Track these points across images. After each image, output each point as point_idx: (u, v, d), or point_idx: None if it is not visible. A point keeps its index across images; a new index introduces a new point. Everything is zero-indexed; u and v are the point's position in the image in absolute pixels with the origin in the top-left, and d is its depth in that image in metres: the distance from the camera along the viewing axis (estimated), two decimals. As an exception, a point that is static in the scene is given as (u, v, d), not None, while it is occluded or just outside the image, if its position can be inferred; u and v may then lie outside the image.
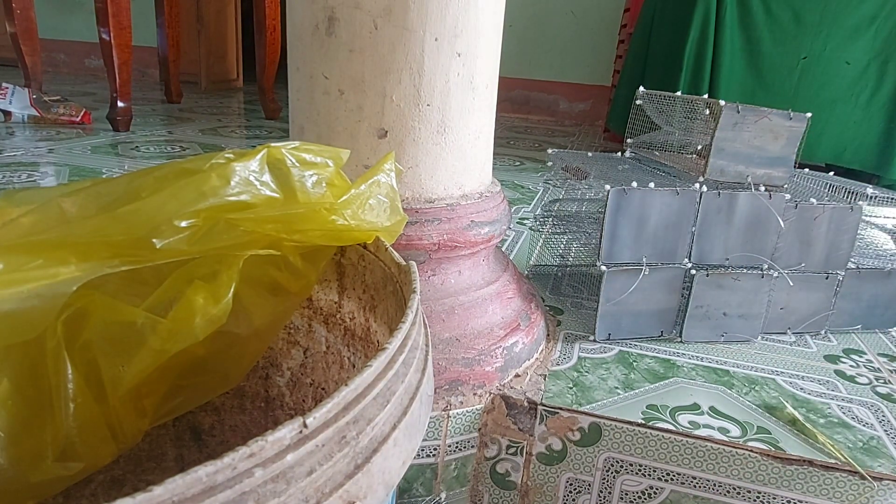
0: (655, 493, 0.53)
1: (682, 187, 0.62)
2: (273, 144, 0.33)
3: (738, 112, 0.64)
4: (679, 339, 0.67)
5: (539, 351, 0.62)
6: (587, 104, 2.61)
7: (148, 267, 0.30)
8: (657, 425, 0.52)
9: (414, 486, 0.54)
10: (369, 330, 0.40)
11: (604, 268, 0.62)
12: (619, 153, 0.83)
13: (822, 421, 0.55)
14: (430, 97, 0.51)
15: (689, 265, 0.64)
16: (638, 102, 0.79)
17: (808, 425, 0.53)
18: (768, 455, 0.50)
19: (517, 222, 1.11)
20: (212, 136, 1.75)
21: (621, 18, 2.28)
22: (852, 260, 0.70)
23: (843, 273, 0.69)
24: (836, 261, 0.68)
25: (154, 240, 0.28)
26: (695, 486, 0.52)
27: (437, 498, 0.55)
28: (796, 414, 0.54)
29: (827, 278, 0.69)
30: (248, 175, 0.31)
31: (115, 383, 0.33)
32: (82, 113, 1.69)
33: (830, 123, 1.53)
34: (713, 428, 0.52)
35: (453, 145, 0.54)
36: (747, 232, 0.65)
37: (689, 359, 0.64)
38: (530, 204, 1.27)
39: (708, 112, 0.66)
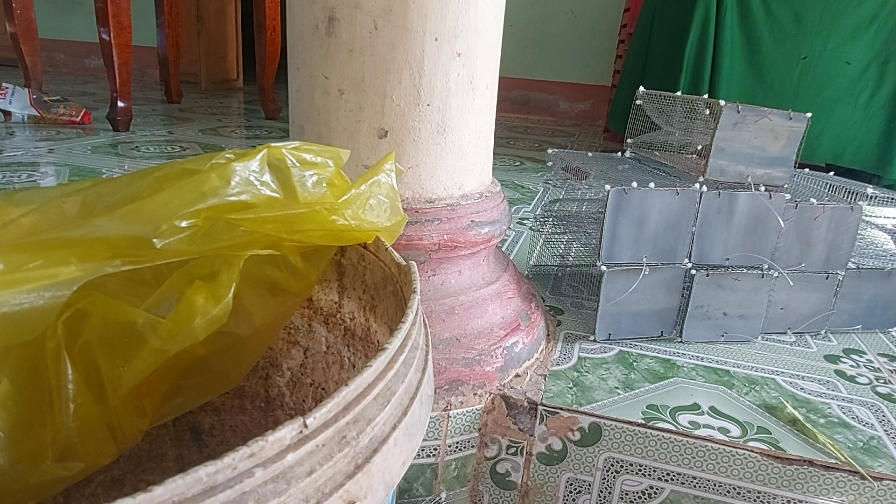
0: (655, 493, 0.53)
1: (682, 187, 0.62)
2: (273, 144, 0.33)
3: (738, 112, 0.64)
4: (679, 339, 0.67)
5: (539, 351, 0.62)
6: (587, 104, 2.61)
7: (148, 267, 0.30)
8: (657, 425, 0.52)
9: (414, 486, 0.54)
10: (369, 330, 0.40)
11: (604, 268, 0.62)
12: (619, 153, 0.83)
13: (822, 421, 0.55)
14: (430, 97, 0.51)
15: (689, 265, 0.64)
16: (638, 102, 0.78)
17: (808, 425, 0.53)
18: (768, 455, 0.50)
19: (517, 222, 1.11)
20: (212, 136, 1.75)
21: (621, 18, 2.28)
22: (852, 260, 0.70)
23: (843, 273, 0.69)
24: (836, 261, 0.68)
25: (154, 240, 0.28)
26: (695, 486, 0.52)
27: (438, 498, 0.55)
28: (796, 414, 0.54)
29: (827, 278, 0.69)
30: (249, 175, 0.31)
31: (115, 384, 0.33)
32: (82, 113, 1.69)
33: (830, 123, 1.53)
34: (713, 428, 0.52)
35: (453, 145, 0.54)
36: (747, 232, 0.65)
37: (690, 359, 0.64)
38: (530, 204, 1.27)
39: (708, 112, 0.66)
